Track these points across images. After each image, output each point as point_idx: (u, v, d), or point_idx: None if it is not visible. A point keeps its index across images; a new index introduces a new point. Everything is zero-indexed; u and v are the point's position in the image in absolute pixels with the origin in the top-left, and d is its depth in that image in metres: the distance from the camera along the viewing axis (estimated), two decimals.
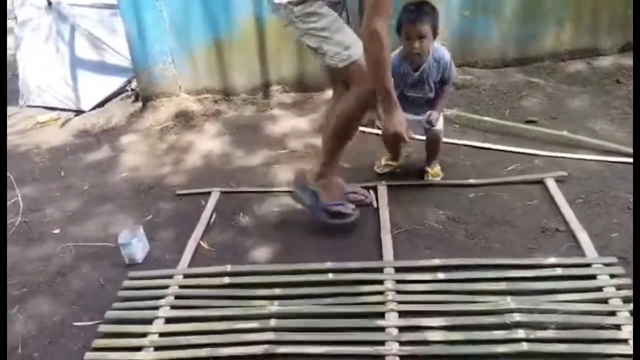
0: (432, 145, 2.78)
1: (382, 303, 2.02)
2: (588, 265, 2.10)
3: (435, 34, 2.49)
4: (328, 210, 2.43)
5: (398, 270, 2.18)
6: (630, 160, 2.65)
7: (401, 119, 2.17)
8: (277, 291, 2.13)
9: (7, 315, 2.09)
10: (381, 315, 1.98)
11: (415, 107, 2.65)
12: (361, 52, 2.09)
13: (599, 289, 2.00)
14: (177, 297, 2.17)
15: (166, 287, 2.22)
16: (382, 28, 1.95)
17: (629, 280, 1.99)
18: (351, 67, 2.14)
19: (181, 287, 2.22)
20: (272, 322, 1.99)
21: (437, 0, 3.49)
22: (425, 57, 2.54)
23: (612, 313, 1.90)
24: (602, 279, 2.03)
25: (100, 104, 4.23)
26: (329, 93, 3.81)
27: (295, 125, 3.54)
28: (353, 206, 2.46)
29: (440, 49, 2.61)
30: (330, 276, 2.19)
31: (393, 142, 2.17)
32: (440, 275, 2.13)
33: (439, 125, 2.70)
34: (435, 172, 2.80)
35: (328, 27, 2.11)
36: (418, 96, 2.66)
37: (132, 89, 4.22)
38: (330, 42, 2.13)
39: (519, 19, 3.69)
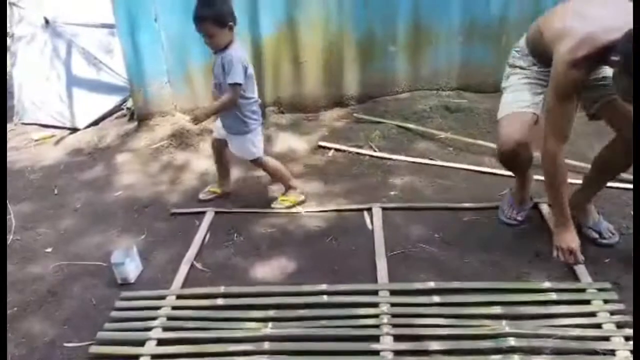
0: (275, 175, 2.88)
1: (377, 326, 2.01)
2: (582, 290, 2.11)
3: (224, 24, 2.45)
4: None
5: (393, 293, 2.18)
6: (623, 185, 2.67)
7: (572, 238, 2.13)
8: (271, 313, 2.12)
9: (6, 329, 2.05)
10: (376, 338, 1.96)
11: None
12: (503, 114, 2.26)
13: (593, 314, 2.00)
14: (169, 319, 2.14)
15: (159, 308, 2.20)
16: (555, 148, 2.03)
17: (622, 306, 2.00)
18: (499, 123, 2.28)
19: (174, 308, 2.20)
20: (266, 345, 1.97)
21: (432, 26, 3.68)
22: (221, 51, 2.53)
23: (606, 338, 1.89)
24: (596, 304, 2.04)
25: (95, 123, 4.23)
26: (325, 114, 3.86)
27: (291, 146, 3.55)
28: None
29: (234, 48, 2.52)
30: (325, 298, 2.17)
31: (563, 257, 2.14)
32: (436, 299, 2.12)
33: (256, 150, 2.73)
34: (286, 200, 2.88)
35: (511, 85, 2.29)
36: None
37: (127, 108, 4.23)
38: (504, 96, 2.33)
39: (514, 46, 3.72)
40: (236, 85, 2.52)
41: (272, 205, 2.86)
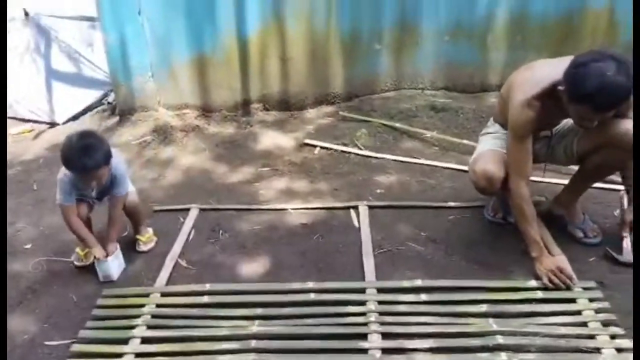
0: (130, 211, 2.53)
1: (365, 324, 2.00)
2: (568, 288, 2.12)
3: (110, 160, 2.24)
4: None
5: (380, 291, 2.17)
6: (606, 186, 2.70)
7: (554, 259, 2.19)
8: (258, 311, 2.09)
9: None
10: (364, 336, 1.95)
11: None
12: (477, 153, 2.42)
13: (579, 312, 2.02)
14: (154, 316, 2.11)
15: (142, 305, 2.16)
16: (519, 185, 2.20)
17: (607, 304, 2.03)
18: (474, 160, 2.41)
19: (158, 305, 2.17)
20: (253, 343, 1.94)
21: (418, 25, 3.68)
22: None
23: (592, 337, 1.91)
24: (582, 303, 2.06)
25: (75, 117, 4.15)
26: (311, 112, 3.84)
27: (277, 143, 3.53)
28: None
29: (116, 165, 2.33)
30: (312, 296, 2.16)
31: (557, 279, 2.13)
32: (423, 297, 2.12)
33: (131, 187, 2.50)
34: (147, 238, 2.58)
35: (482, 141, 2.49)
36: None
37: (108, 103, 4.16)
38: (477, 148, 2.51)
39: (499, 46, 3.76)
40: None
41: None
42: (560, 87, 1.98)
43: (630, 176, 2.28)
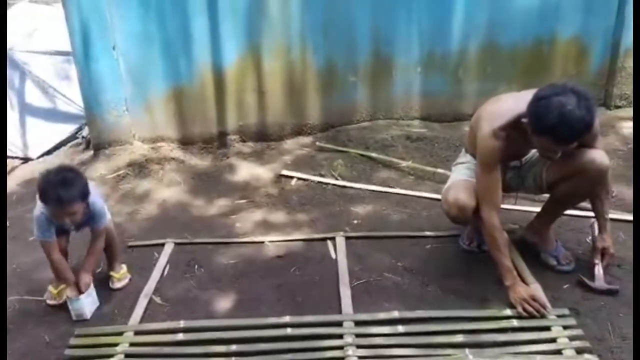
0: (107, 248, 2.52)
1: (342, 358, 1.99)
2: (542, 316, 2.14)
3: (87, 197, 2.25)
4: None
5: (357, 323, 2.17)
6: (578, 213, 2.75)
7: (527, 287, 2.23)
8: (234, 348, 2.07)
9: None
10: None
11: None
12: (450, 183, 2.46)
13: (553, 340, 2.04)
14: (127, 356, 2.08)
15: (116, 344, 2.13)
16: (490, 214, 2.23)
17: (581, 332, 2.05)
18: (446, 190, 2.44)
19: (132, 344, 2.13)
20: None
21: (391, 57, 3.76)
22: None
23: None
24: (556, 330, 2.07)
25: (49, 152, 4.11)
26: (288, 143, 3.87)
27: (254, 175, 3.53)
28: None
29: (94, 201, 2.33)
30: (289, 331, 2.15)
31: (530, 308, 2.14)
32: (400, 329, 2.12)
33: (107, 221, 2.47)
34: (121, 275, 2.55)
35: (455, 171, 2.54)
36: None
37: (83, 137, 4.13)
38: (450, 177, 2.57)
39: (471, 77, 3.85)
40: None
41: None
42: (524, 119, 2.03)
43: (598, 203, 2.33)
